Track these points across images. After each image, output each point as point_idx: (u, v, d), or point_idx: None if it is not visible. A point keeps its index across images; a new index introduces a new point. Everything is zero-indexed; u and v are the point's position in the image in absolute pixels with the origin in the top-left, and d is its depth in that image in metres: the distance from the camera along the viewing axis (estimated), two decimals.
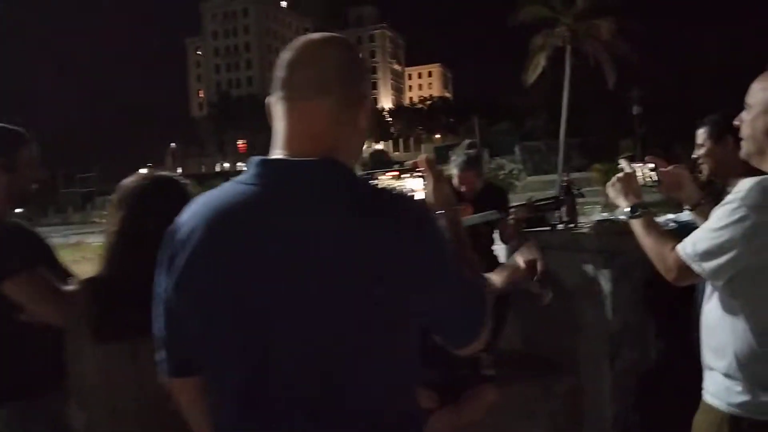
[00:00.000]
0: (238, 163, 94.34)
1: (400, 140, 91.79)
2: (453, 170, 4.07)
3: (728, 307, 1.66)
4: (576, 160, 41.73)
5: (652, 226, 1.85)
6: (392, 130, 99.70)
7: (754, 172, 2.22)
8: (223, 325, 1.13)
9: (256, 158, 1.16)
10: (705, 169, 2.68)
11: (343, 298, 1.09)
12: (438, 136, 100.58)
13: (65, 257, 2.66)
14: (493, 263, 4.04)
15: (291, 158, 1.15)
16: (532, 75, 36.55)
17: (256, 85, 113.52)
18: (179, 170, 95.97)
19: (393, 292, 1.09)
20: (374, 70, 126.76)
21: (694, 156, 2.71)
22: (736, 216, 1.57)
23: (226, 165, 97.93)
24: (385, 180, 1.48)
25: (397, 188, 1.45)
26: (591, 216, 4.67)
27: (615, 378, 3.19)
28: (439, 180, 1.44)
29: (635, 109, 53.27)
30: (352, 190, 1.14)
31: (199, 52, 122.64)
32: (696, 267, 1.64)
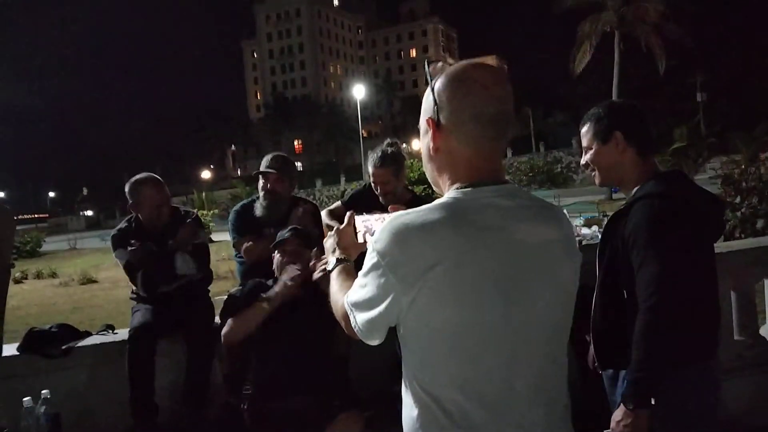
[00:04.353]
0: (296, 164, 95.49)
1: None
2: (369, 167, 3.74)
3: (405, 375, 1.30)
4: None
5: (343, 274, 1.51)
6: None
7: (649, 176, 2.07)
8: None
9: None
10: (596, 177, 2.20)
11: None
12: None
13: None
14: None
15: None
16: (581, 64, 35.05)
17: (309, 85, 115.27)
18: (238, 171, 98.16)
19: None
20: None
21: (582, 163, 2.24)
22: (372, 262, 1.22)
23: None
24: None
25: None
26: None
27: None
28: None
29: (699, 96, 50.72)
30: None
31: (255, 55, 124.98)
32: (352, 319, 1.29)
